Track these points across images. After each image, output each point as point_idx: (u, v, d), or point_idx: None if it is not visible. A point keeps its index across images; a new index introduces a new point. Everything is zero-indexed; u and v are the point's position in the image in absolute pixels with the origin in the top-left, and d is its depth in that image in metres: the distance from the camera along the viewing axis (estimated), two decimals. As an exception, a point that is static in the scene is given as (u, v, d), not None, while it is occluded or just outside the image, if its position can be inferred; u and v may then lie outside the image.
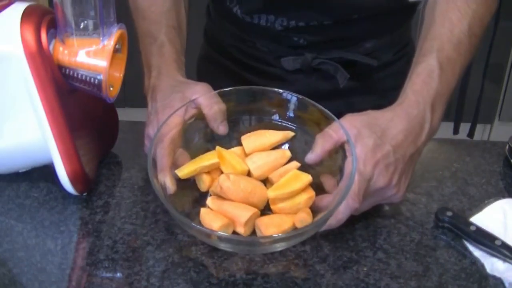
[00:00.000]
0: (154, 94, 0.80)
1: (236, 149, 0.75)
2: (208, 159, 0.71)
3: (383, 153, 0.69)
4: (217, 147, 0.74)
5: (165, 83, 0.80)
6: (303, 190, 0.69)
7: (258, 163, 0.73)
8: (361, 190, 0.67)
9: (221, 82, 0.87)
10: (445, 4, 0.80)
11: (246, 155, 0.75)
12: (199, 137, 0.77)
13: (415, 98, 0.73)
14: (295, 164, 0.74)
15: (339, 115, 0.76)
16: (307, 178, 0.70)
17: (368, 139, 0.69)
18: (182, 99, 0.75)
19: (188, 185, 0.71)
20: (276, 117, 0.77)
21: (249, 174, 0.73)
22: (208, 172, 0.72)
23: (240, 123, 0.78)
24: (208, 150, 0.74)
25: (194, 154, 0.76)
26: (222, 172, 0.72)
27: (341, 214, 0.67)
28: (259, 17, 0.93)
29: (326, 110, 0.72)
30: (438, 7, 0.80)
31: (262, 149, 0.75)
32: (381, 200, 0.72)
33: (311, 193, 0.71)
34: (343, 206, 0.66)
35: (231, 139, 0.77)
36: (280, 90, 0.76)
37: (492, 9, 0.82)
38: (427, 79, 0.74)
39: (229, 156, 0.73)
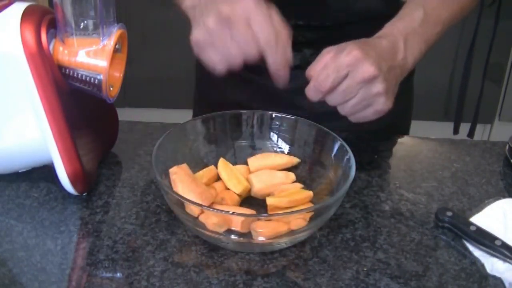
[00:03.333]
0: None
1: (240, 167, 0.76)
2: (207, 175, 0.75)
3: (363, 43, 0.72)
4: (221, 159, 0.75)
5: None
6: (302, 203, 0.70)
7: (261, 178, 0.74)
8: (329, 63, 0.70)
9: (220, 80, 0.87)
10: None
11: (250, 173, 0.76)
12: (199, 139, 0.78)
13: (388, 31, 0.77)
14: (298, 185, 0.74)
15: (336, 112, 0.78)
16: (308, 193, 0.71)
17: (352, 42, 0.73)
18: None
19: None
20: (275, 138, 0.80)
21: (250, 190, 0.75)
22: (212, 186, 0.73)
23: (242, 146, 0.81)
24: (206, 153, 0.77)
25: (192, 156, 0.77)
26: (224, 184, 0.73)
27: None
28: None
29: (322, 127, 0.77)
30: None
31: (266, 169, 0.76)
32: (369, 96, 0.71)
33: (308, 192, 0.72)
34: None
35: (236, 159, 0.80)
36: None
37: None
38: (407, 18, 0.78)
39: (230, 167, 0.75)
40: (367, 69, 0.69)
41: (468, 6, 0.83)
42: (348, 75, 0.70)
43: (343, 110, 0.73)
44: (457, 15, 0.82)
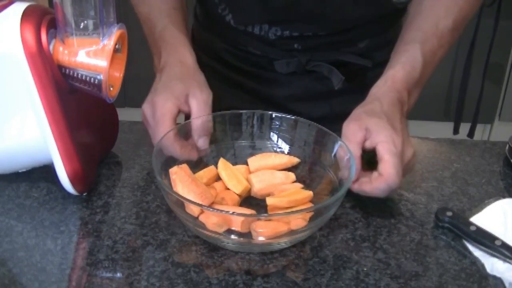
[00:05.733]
0: (162, 70, 0.82)
1: (240, 167, 0.76)
2: (207, 175, 0.75)
3: (399, 130, 0.73)
4: (221, 159, 0.75)
5: (175, 64, 0.82)
6: (302, 203, 0.70)
7: (261, 178, 0.74)
8: (399, 168, 0.70)
9: (212, 86, 0.87)
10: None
11: (250, 173, 0.76)
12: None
13: (394, 85, 0.78)
14: (298, 185, 0.74)
15: (334, 115, 0.78)
16: (308, 193, 0.71)
17: (384, 123, 0.73)
18: (182, 91, 0.77)
19: None
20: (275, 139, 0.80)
21: (250, 190, 0.75)
22: (212, 186, 0.73)
23: (241, 146, 0.81)
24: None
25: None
26: (224, 184, 0.73)
27: (382, 192, 0.71)
28: (252, 26, 0.93)
29: (326, 130, 0.76)
30: (426, 2, 0.84)
31: (266, 169, 0.76)
32: (410, 168, 0.76)
33: (308, 192, 0.72)
34: (384, 187, 0.70)
35: (236, 159, 0.80)
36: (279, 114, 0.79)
37: (475, 8, 0.87)
38: (409, 68, 0.80)
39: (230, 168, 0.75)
40: (410, 151, 0.73)
41: (456, 39, 0.86)
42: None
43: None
44: (451, 48, 0.86)
